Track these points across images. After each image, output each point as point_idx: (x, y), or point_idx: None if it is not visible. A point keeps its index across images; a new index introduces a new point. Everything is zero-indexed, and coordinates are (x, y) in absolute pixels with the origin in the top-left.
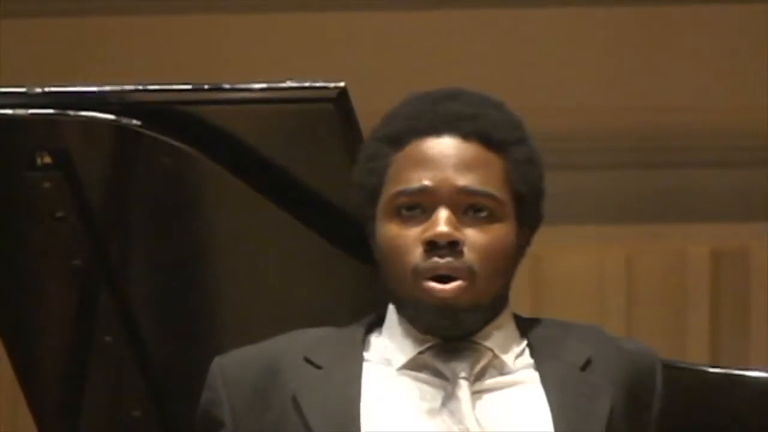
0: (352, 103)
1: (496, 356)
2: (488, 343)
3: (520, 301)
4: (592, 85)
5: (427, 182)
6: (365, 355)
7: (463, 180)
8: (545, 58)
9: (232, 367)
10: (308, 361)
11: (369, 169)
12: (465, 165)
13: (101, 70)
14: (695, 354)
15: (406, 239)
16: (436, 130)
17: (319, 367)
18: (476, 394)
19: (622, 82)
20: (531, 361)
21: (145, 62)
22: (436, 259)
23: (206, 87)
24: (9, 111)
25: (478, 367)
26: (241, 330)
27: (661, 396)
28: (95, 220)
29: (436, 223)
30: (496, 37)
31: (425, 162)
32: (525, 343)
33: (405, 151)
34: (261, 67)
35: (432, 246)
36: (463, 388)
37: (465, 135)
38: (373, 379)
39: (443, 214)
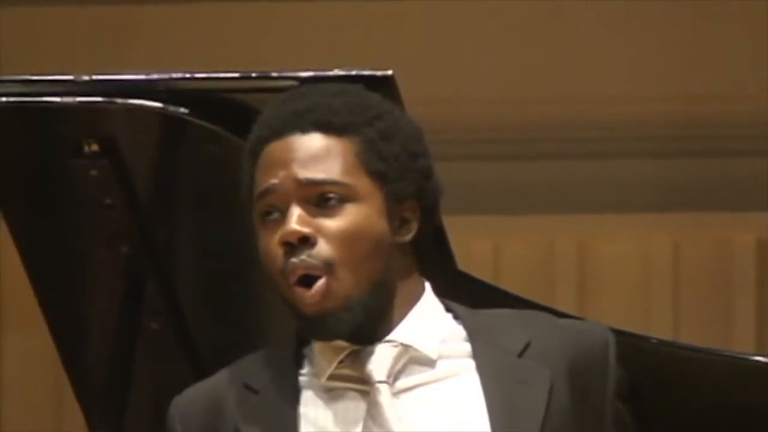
0: (399, 91)
1: (416, 350)
2: (404, 339)
3: (566, 289)
4: (640, 73)
5: (273, 180)
6: (299, 371)
7: (305, 173)
8: (590, 47)
9: (185, 406)
10: (247, 387)
11: (244, 185)
12: (307, 158)
13: (140, 58)
14: (741, 342)
15: (270, 244)
16: (278, 133)
17: (256, 392)
18: (401, 393)
19: (670, 70)
20: (468, 350)
21: (186, 50)
22: (292, 260)
23: (253, 75)
24: (57, 99)
25: (397, 366)
26: (286, 316)
27: (615, 371)
28: (142, 208)
29: (287, 223)
30: (543, 26)
31: (272, 164)
32: (462, 332)
33: (259, 160)
34: (304, 56)
35: (289, 246)
36: (383, 392)
37: (304, 129)
38: (307, 397)
39: (293, 211)
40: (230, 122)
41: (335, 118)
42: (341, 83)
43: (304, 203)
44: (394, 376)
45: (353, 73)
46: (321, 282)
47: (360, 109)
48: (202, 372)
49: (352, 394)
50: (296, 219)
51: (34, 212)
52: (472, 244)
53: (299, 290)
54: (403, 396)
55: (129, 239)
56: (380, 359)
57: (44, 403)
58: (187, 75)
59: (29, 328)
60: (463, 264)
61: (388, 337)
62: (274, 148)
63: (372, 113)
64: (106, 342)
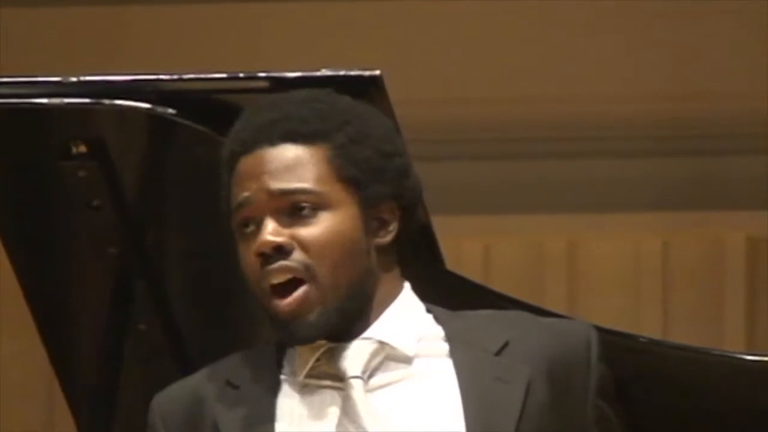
0: (387, 91)
1: (393, 348)
2: (381, 336)
3: (555, 289)
4: (629, 72)
5: (245, 194)
6: (279, 369)
7: (276, 184)
8: (581, 45)
9: (167, 404)
10: (228, 383)
11: (222, 198)
12: (277, 169)
13: (130, 60)
14: (731, 341)
15: (247, 256)
16: (249, 146)
17: (236, 387)
18: (376, 389)
19: (659, 69)
20: (446, 350)
21: (175, 52)
22: (268, 267)
23: (241, 75)
24: (44, 100)
25: (373, 363)
26: None
27: (597, 370)
28: (130, 209)
29: (261, 234)
30: (532, 25)
31: (244, 178)
32: (441, 332)
33: (234, 174)
34: (294, 56)
35: (264, 257)
36: (356, 388)
37: (272, 141)
38: (285, 393)
39: (268, 223)
40: (218, 123)
41: (303, 126)
42: (310, 89)
43: (277, 214)
44: (370, 372)
45: (341, 73)
46: (301, 289)
47: (329, 115)
48: (190, 373)
49: (328, 390)
50: (270, 230)
51: (22, 214)
52: (462, 244)
53: (276, 301)
54: (379, 392)
55: (117, 240)
56: (356, 356)
57: (35, 403)
58: (175, 76)
59: (21, 329)
60: (452, 264)
61: (364, 334)
62: (246, 161)
63: (341, 118)
64: (94, 343)
